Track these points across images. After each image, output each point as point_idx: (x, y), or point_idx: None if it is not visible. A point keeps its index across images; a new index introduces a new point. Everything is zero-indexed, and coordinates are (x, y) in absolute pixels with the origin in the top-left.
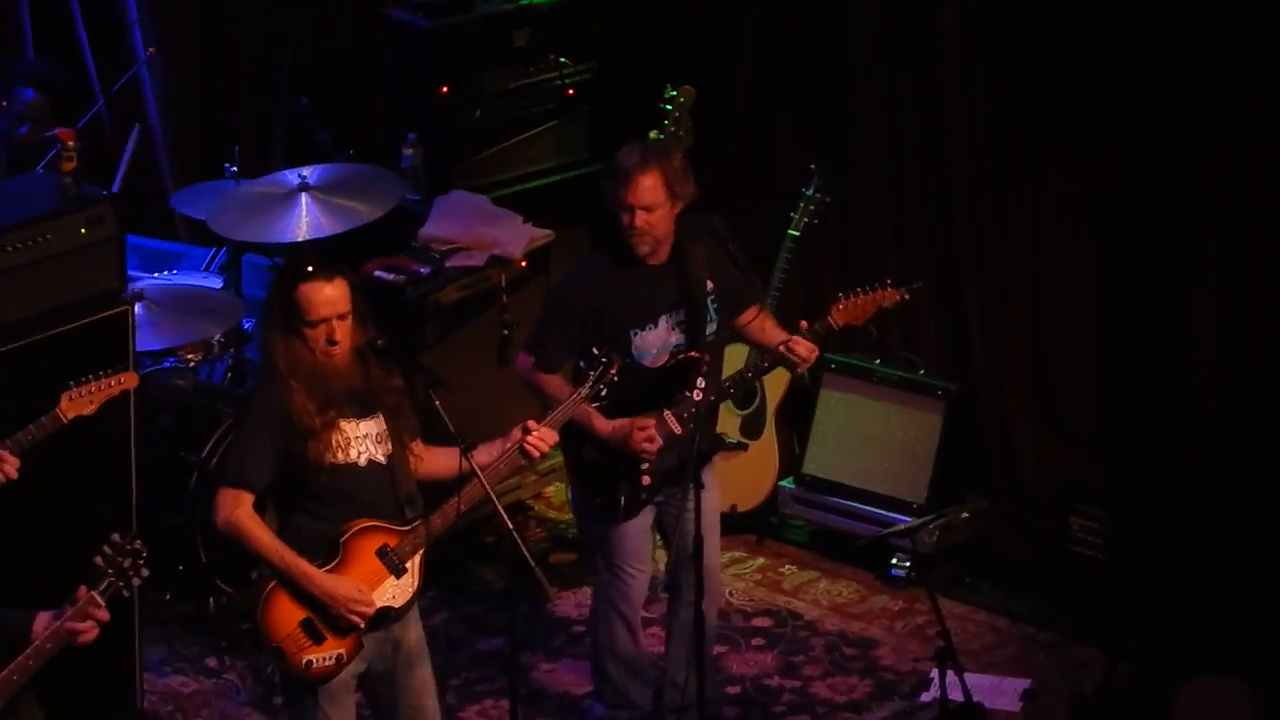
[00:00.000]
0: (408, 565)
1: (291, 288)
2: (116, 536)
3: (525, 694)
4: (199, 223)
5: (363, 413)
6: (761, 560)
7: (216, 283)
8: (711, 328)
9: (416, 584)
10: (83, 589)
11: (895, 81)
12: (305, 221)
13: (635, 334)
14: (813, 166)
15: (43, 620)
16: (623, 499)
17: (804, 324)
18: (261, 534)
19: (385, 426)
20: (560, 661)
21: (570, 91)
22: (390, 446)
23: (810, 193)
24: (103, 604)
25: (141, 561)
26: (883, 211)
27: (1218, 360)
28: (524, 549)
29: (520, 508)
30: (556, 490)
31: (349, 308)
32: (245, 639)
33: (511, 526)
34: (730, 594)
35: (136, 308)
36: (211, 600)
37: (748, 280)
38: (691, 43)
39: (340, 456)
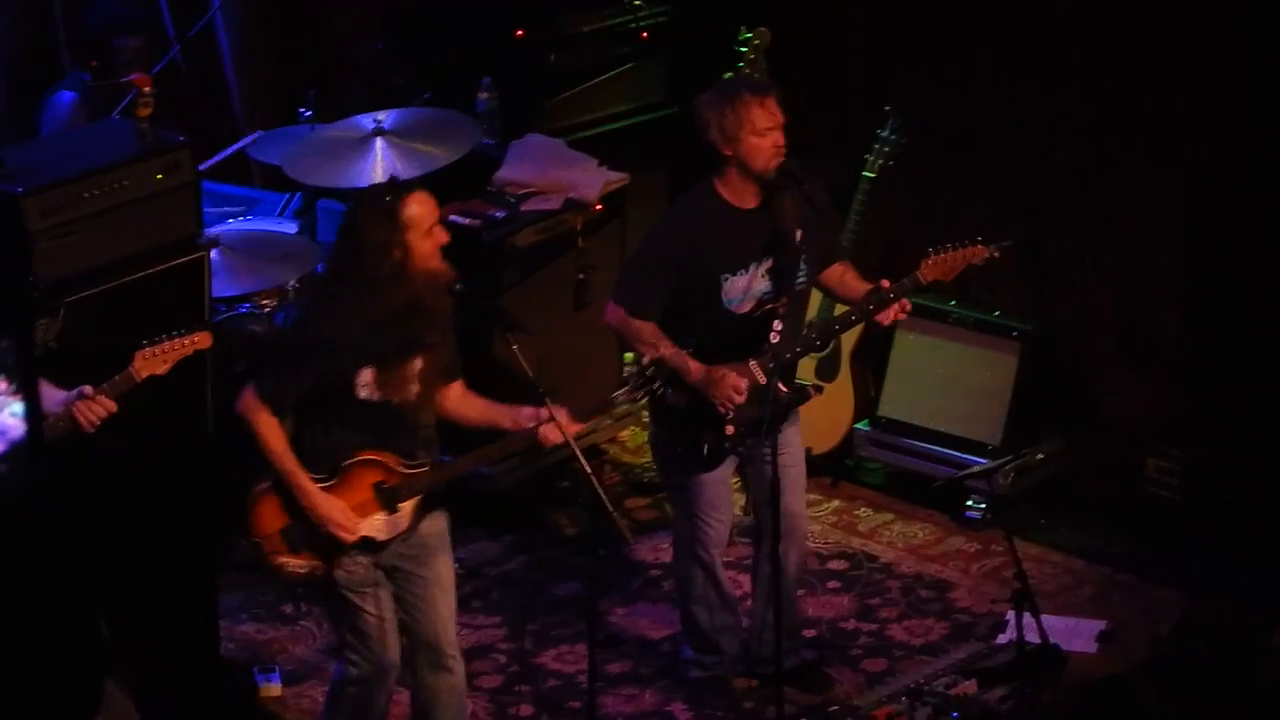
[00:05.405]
0: (401, 506)
1: (398, 208)
2: None
3: (602, 638)
4: (273, 167)
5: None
6: (837, 503)
7: (291, 228)
8: (800, 277)
9: (406, 525)
10: None
11: (969, 15)
12: (380, 166)
13: (725, 279)
14: (888, 109)
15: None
16: (706, 447)
17: (886, 283)
18: (270, 437)
19: (422, 366)
20: (636, 606)
21: (645, 34)
22: (420, 385)
23: (886, 134)
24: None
25: None
26: (959, 150)
27: None
28: (602, 494)
29: (595, 452)
30: (632, 434)
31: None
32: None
33: (590, 471)
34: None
35: (212, 253)
36: None
37: (834, 233)
38: None
39: (366, 393)
